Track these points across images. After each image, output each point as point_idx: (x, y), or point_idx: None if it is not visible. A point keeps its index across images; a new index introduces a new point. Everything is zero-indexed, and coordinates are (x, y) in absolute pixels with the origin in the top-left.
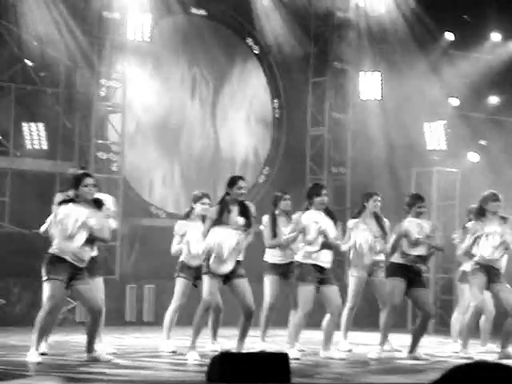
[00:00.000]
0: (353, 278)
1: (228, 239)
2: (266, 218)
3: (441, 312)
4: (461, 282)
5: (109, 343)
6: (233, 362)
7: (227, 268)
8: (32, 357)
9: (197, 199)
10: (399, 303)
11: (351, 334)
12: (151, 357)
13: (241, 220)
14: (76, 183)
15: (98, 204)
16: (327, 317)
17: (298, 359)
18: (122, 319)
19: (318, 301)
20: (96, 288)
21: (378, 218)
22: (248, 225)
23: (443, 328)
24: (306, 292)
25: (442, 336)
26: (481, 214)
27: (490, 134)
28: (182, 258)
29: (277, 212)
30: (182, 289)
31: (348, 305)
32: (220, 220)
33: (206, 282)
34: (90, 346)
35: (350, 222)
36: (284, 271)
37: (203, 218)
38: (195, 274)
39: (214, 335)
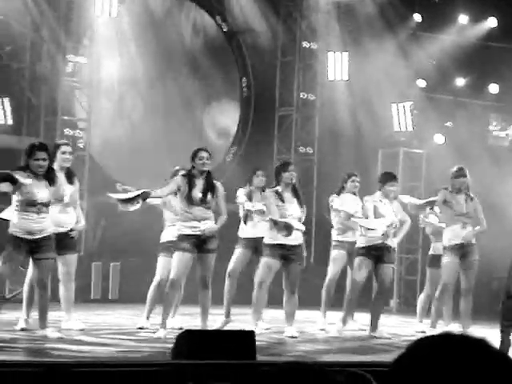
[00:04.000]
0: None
1: (195, 230)
2: (240, 193)
3: (405, 292)
4: (429, 267)
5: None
6: (198, 339)
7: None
8: None
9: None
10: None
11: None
12: (116, 334)
13: (199, 195)
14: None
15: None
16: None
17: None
18: (87, 296)
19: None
20: (67, 263)
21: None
22: (205, 202)
23: (407, 308)
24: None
25: (405, 316)
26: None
27: (456, 116)
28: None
29: (251, 188)
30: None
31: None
32: (184, 192)
33: (175, 258)
34: (41, 322)
35: (337, 199)
36: (256, 246)
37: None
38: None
39: (174, 312)
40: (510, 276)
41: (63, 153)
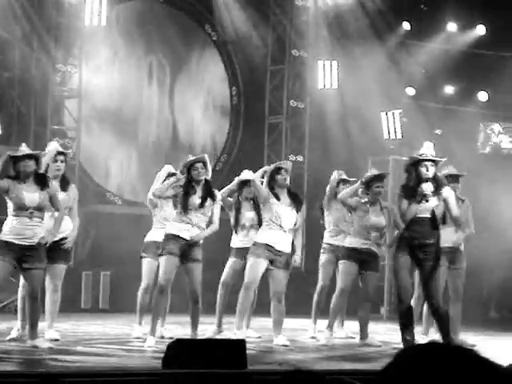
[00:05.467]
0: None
1: (184, 234)
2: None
3: (395, 299)
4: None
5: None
6: (189, 348)
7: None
8: None
9: None
10: (349, 287)
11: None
12: (107, 343)
13: (198, 201)
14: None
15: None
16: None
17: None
18: (77, 306)
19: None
20: (54, 273)
21: None
22: (203, 208)
23: (397, 315)
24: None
25: (396, 323)
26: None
27: (445, 124)
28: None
29: (240, 198)
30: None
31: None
32: (180, 198)
33: (162, 262)
34: (31, 333)
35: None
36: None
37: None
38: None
39: (163, 321)
40: (397, 281)
41: (55, 161)
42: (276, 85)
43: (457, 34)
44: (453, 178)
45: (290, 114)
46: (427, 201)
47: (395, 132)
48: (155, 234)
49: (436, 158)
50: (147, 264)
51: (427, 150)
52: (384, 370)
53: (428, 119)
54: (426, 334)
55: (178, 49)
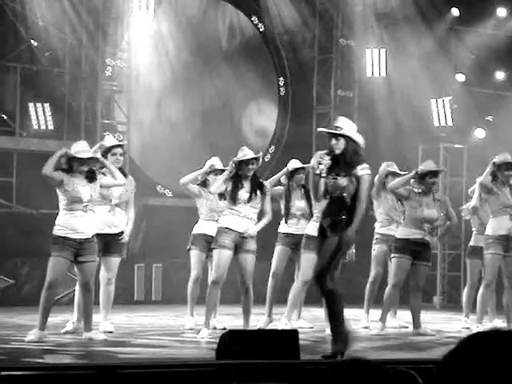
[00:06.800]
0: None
1: (236, 226)
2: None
3: (448, 289)
4: (469, 258)
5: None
6: (241, 339)
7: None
8: (30, 336)
9: None
10: (401, 282)
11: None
12: (160, 335)
13: (246, 195)
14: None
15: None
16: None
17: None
18: (130, 298)
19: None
20: (109, 266)
21: None
22: (252, 201)
23: (451, 304)
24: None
25: (449, 312)
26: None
27: (496, 110)
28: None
29: (290, 188)
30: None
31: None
32: (229, 192)
33: (215, 256)
34: (86, 325)
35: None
36: (296, 243)
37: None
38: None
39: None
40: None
41: (113, 154)
42: (324, 74)
43: (506, 19)
44: (507, 166)
45: (339, 103)
46: None
47: (445, 119)
48: (203, 226)
49: None
50: (195, 256)
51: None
52: (448, 356)
53: (479, 106)
54: (480, 322)
55: (225, 40)
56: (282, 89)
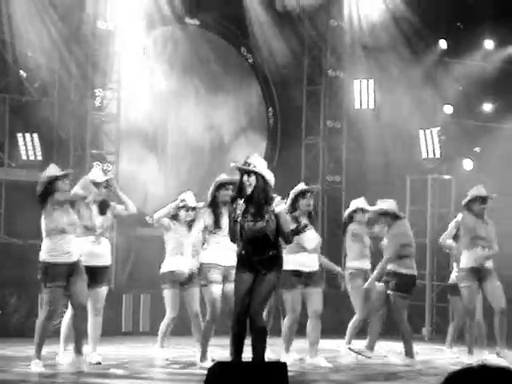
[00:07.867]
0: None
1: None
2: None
3: (437, 319)
4: (451, 295)
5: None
6: (230, 371)
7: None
8: (34, 367)
9: None
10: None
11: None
12: (148, 366)
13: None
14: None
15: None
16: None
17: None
18: (118, 329)
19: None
20: (96, 297)
21: None
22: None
23: (439, 335)
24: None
25: (437, 343)
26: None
27: (484, 141)
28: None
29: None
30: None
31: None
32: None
33: (209, 293)
34: (77, 345)
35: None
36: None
37: None
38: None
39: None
40: None
41: (97, 187)
42: (312, 105)
43: (494, 51)
44: (482, 200)
45: (327, 134)
46: None
47: (434, 150)
48: (169, 263)
49: None
50: (170, 296)
51: None
52: None
53: (467, 137)
54: (472, 353)
55: (214, 71)
56: (271, 119)
